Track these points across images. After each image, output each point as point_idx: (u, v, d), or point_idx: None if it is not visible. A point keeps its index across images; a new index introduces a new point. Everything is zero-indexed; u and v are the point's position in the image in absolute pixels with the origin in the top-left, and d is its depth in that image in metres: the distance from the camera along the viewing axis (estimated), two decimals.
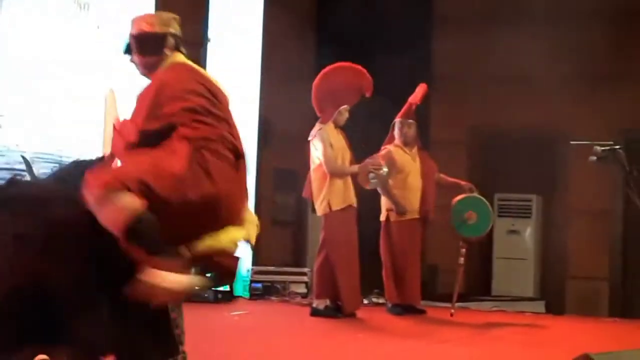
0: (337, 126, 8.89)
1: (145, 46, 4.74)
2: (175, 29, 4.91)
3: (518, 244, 12.13)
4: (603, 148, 8.67)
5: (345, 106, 8.90)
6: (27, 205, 4.63)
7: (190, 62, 4.83)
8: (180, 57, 4.82)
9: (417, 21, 12.50)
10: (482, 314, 9.76)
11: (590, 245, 11.84)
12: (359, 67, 9.02)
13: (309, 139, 8.87)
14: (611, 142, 8.71)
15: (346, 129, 9.02)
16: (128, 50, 4.79)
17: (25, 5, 8.46)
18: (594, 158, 8.65)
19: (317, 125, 8.88)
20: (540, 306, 11.29)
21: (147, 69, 4.73)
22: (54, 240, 4.52)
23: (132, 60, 4.81)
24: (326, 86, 8.94)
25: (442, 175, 9.55)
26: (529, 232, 12.17)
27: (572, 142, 9.17)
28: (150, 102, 4.56)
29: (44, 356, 4.32)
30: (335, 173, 8.70)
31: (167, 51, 4.80)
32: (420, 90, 9.48)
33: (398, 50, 11.45)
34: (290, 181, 10.96)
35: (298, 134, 9.43)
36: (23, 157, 7.65)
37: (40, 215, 4.56)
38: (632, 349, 4.17)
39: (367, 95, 9.00)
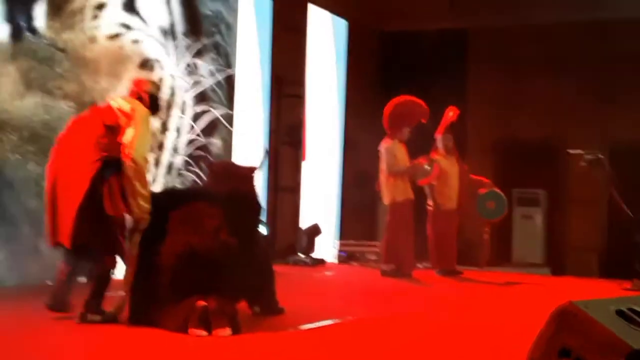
0: (400, 141, 8.89)
1: None
2: None
3: (530, 226, 11.98)
4: (589, 156, 8.74)
5: (407, 127, 8.88)
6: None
7: None
8: None
9: (457, 61, 12.42)
10: (503, 275, 9.72)
11: (583, 226, 11.75)
12: (419, 99, 8.97)
13: (379, 149, 8.91)
14: (597, 152, 8.76)
15: (407, 144, 9.00)
16: None
17: None
18: (584, 163, 8.67)
19: (385, 140, 8.90)
20: (546, 270, 11.20)
21: None
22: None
23: None
24: (393, 112, 8.92)
25: (471, 175, 9.50)
26: (538, 217, 12.02)
27: (569, 151, 9.31)
28: None
29: (203, 302, 4.63)
30: (393, 173, 8.73)
31: None
32: (454, 112, 9.37)
33: (443, 83, 11.31)
34: (367, 180, 10.86)
35: (372, 146, 9.39)
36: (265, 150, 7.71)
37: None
38: (608, 298, 3.80)
39: (424, 121, 8.94)
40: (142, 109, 5.10)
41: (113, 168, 4.91)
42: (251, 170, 5.60)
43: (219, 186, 5.31)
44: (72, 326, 4.87)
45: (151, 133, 5.26)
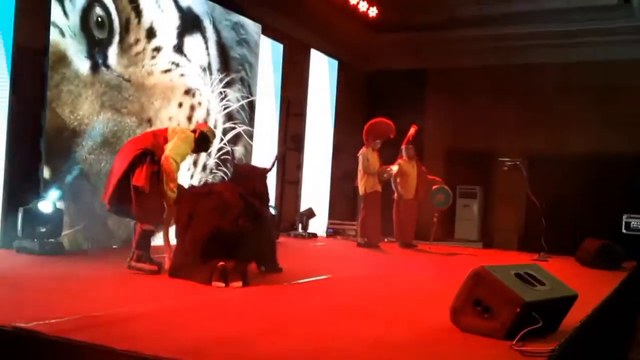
0: (373, 150, 8.81)
1: None
2: None
3: (469, 212, 11.96)
4: (510, 163, 8.75)
5: (379, 140, 8.81)
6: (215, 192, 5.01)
7: None
8: None
9: (418, 90, 12.32)
10: (447, 247, 9.65)
11: (507, 213, 11.73)
12: (389, 120, 8.89)
13: (358, 155, 8.84)
14: (517, 160, 8.67)
15: (379, 152, 8.95)
16: None
17: None
18: (506, 168, 8.62)
19: (362, 149, 8.84)
20: (479, 244, 11.22)
21: None
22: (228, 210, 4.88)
23: None
24: (369, 128, 8.84)
25: (428, 175, 9.36)
26: (475, 206, 12.00)
27: (499, 159, 9.17)
28: None
29: (222, 263, 4.63)
30: (366, 173, 8.68)
31: None
32: (414, 129, 9.26)
33: (409, 107, 11.26)
34: (349, 177, 10.75)
35: (354, 152, 9.25)
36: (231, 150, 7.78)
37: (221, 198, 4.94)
38: (518, 264, 3.76)
39: (392, 136, 8.84)
40: (189, 133, 5.14)
41: (150, 157, 4.95)
42: (265, 170, 5.60)
43: (241, 182, 5.29)
44: (128, 277, 4.91)
45: (188, 152, 5.18)
